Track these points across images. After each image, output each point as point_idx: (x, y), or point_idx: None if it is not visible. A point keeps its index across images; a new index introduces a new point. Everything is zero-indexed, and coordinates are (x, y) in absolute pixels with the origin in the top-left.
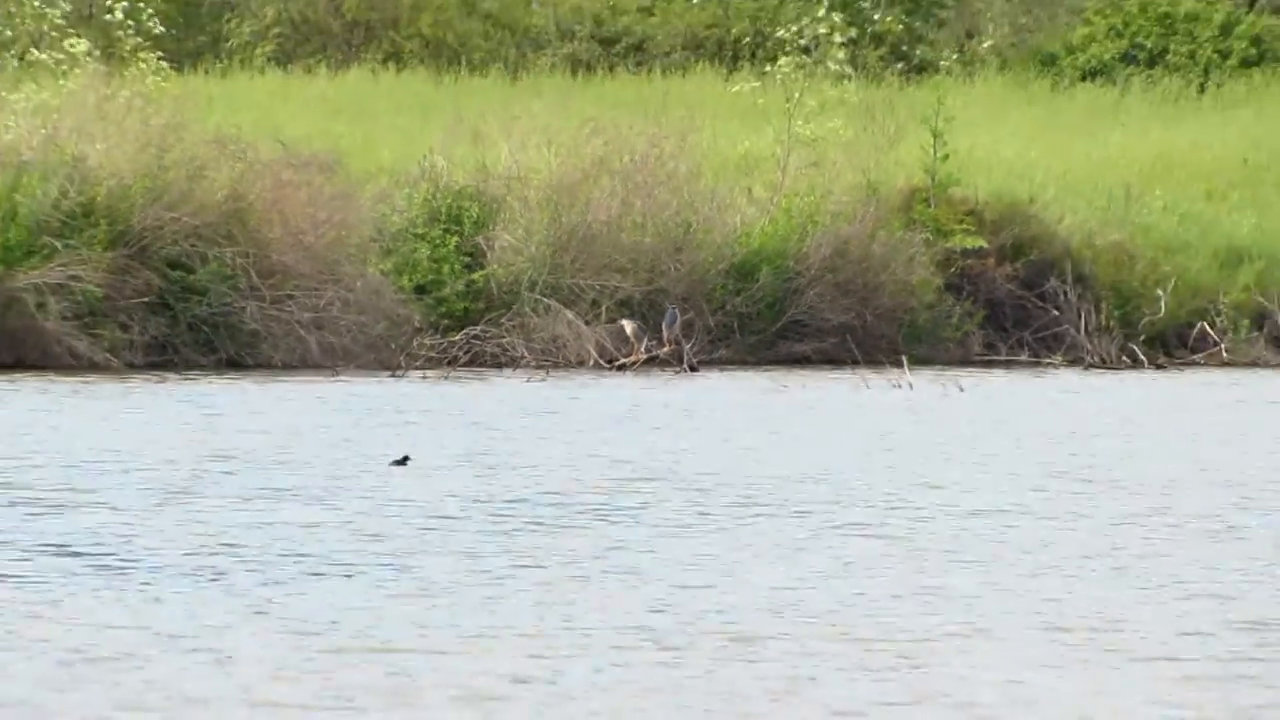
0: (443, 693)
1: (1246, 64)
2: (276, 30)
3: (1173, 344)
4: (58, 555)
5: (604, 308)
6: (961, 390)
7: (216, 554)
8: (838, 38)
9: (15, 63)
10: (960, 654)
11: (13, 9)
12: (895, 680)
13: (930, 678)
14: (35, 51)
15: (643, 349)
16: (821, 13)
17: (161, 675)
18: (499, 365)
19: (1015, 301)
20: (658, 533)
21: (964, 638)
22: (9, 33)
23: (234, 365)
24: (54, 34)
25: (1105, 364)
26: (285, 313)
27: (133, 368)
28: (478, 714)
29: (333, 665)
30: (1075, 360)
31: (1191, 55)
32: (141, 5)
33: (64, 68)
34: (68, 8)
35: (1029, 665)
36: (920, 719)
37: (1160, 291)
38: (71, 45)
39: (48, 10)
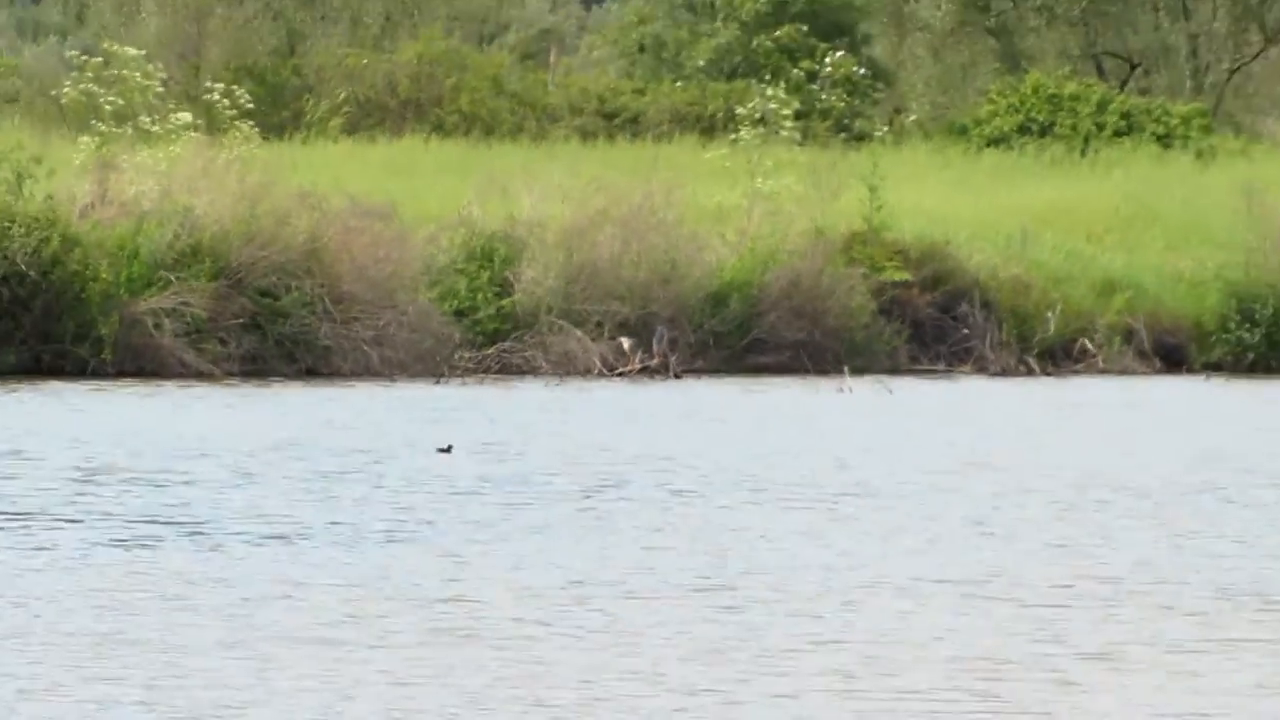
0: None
1: (1118, 134)
2: (345, 107)
3: (1059, 356)
4: (154, 524)
5: (606, 327)
6: (891, 393)
7: (298, 523)
8: (784, 110)
9: (130, 130)
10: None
11: (119, 87)
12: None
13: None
14: (145, 120)
15: (637, 360)
16: (770, 91)
17: (246, 616)
18: (523, 373)
19: (934, 322)
20: (644, 502)
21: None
22: (120, 101)
23: (311, 374)
24: (157, 102)
25: (1005, 372)
26: (352, 331)
27: (230, 375)
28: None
29: (383, 610)
30: (981, 369)
31: (1074, 127)
32: (235, 88)
33: (173, 136)
34: (164, 76)
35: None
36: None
37: (1049, 314)
38: (177, 119)
39: (147, 83)
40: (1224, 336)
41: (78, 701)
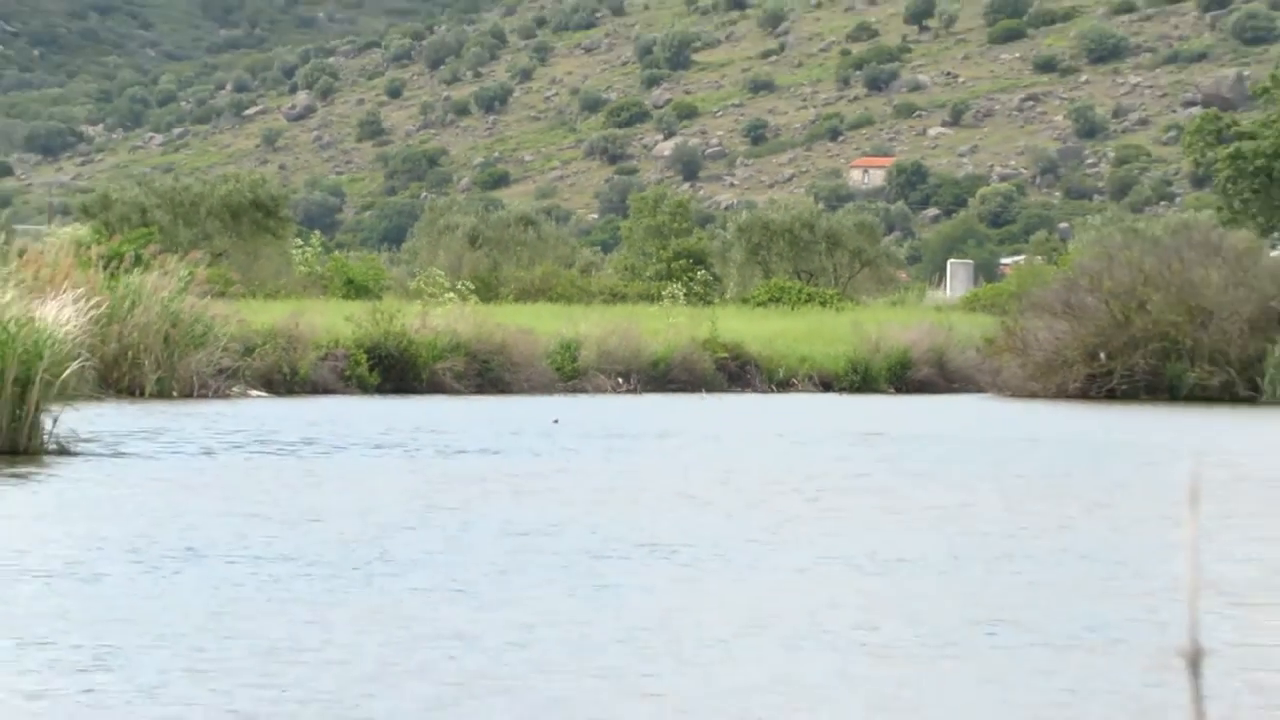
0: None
1: (806, 302)
2: (515, 291)
3: (786, 386)
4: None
5: (612, 374)
6: (720, 400)
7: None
8: (678, 293)
9: (435, 300)
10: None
11: (433, 284)
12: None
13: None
14: (441, 297)
15: (624, 387)
16: (672, 286)
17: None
18: (580, 392)
19: (736, 373)
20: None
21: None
22: (424, 286)
23: (501, 392)
24: (442, 291)
25: (764, 392)
26: (519, 375)
27: (469, 392)
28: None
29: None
30: (755, 390)
31: (790, 300)
32: (469, 284)
33: (448, 302)
34: (449, 285)
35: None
36: None
37: (780, 369)
38: (449, 297)
39: (440, 277)
40: (848, 378)
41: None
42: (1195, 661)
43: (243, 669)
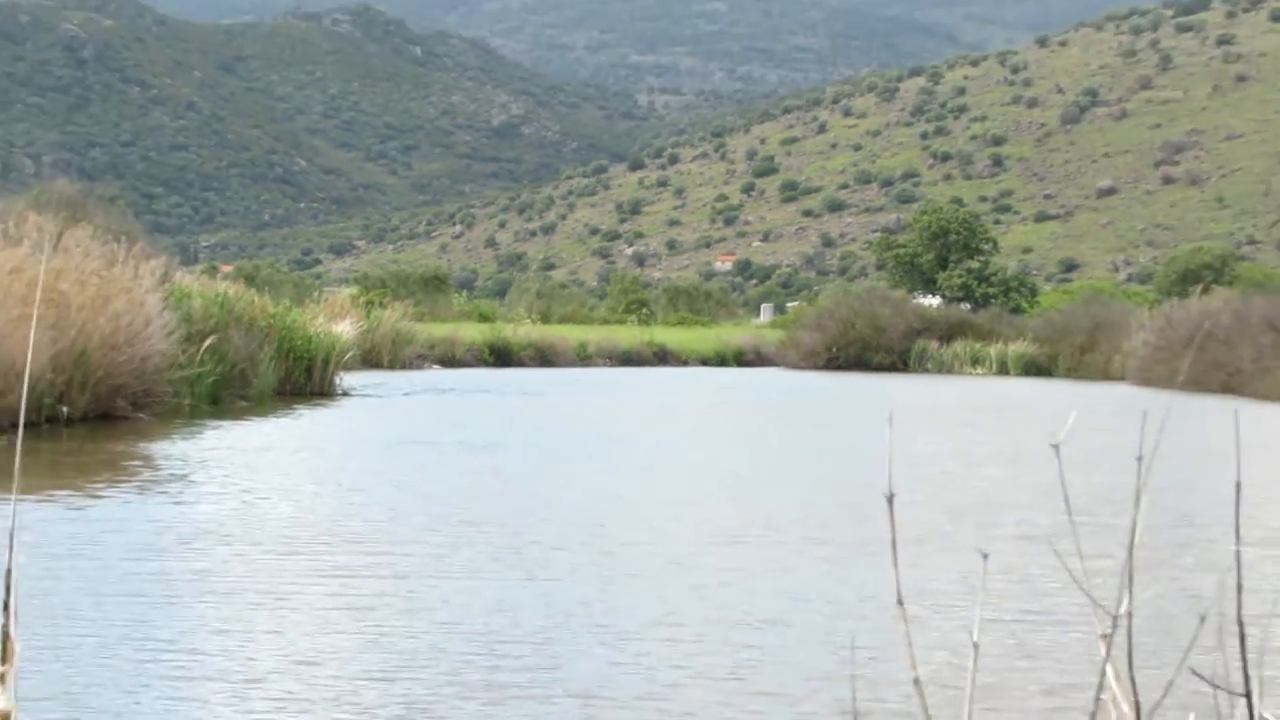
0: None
1: (710, 326)
2: (557, 319)
3: (686, 363)
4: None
5: (604, 358)
6: (651, 371)
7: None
8: (634, 319)
9: (515, 323)
10: None
11: (515, 314)
12: None
13: None
14: (523, 322)
15: (611, 363)
16: (630, 317)
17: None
18: (590, 366)
19: (662, 357)
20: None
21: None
22: (515, 317)
23: (547, 365)
24: (519, 317)
25: (677, 366)
26: (558, 356)
27: (530, 367)
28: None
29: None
30: (670, 366)
31: (701, 321)
32: (535, 315)
33: (523, 323)
34: (526, 316)
35: None
36: None
37: (683, 356)
38: (527, 322)
39: (522, 312)
40: (714, 360)
41: None
42: (890, 501)
43: (428, 497)
